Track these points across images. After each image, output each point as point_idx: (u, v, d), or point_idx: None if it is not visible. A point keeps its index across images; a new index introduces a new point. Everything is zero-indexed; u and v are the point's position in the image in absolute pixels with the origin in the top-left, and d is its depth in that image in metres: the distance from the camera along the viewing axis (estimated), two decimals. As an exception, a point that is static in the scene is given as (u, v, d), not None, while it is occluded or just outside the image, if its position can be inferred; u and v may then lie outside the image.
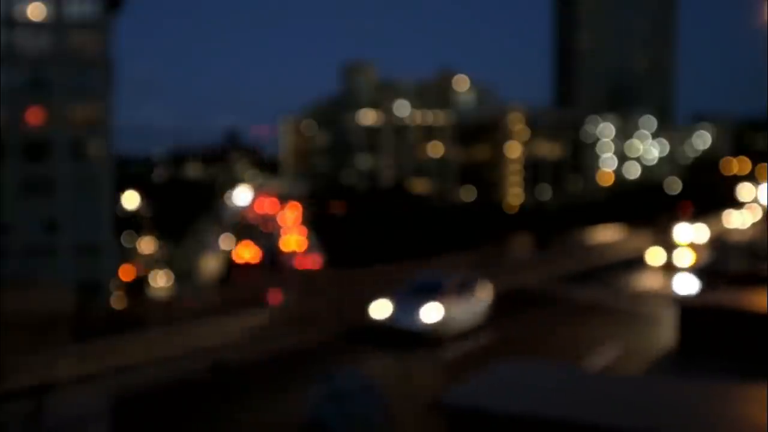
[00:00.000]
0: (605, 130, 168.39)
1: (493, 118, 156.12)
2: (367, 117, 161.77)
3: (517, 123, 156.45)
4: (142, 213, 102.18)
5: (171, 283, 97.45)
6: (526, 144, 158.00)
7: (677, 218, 47.52)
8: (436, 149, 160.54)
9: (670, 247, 36.12)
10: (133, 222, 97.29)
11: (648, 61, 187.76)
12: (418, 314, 18.74)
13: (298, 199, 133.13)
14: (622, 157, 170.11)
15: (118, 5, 66.83)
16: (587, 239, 44.52)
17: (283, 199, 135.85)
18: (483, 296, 21.37)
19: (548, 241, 42.99)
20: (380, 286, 20.35)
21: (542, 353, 16.98)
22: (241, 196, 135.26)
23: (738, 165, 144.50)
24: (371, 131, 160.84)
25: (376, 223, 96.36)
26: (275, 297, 21.19)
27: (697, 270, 31.02)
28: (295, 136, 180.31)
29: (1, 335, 12.03)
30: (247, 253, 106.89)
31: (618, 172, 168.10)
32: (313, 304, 20.27)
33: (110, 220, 65.11)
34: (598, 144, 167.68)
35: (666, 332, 13.86)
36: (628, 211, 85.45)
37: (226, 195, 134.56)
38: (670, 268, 33.71)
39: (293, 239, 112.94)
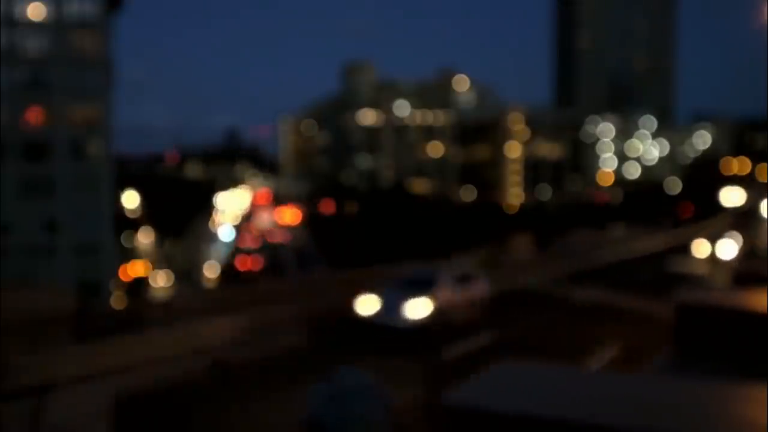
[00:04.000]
0: (605, 130, 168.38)
1: (493, 118, 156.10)
2: (367, 117, 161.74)
3: (517, 123, 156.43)
4: (142, 213, 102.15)
5: (171, 283, 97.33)
6: (526, 144, 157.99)
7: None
8: (436, 149, 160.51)
9: None
10: (133, 222, 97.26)
11: (648, 61, 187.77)
12: (404, 310, 17.62)
13: (296, 199, 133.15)
14: (622, 157, 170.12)
15: (118, 5, 66.82)
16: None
17: (282, 199, 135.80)
18: (479, 291, 20.49)
19: (549, 241, 43.23)
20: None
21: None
22: (227, 230, 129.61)
23: (738, 165, 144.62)
24: (371, 131, 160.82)
25: (375, 223, 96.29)
26: None
27: None
28: (295, 136, 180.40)
29: (0, 335, 12.04)
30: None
31: (618, 172, 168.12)
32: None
33: (110, 219, 65.07)
34: (598, 144, 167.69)
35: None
36: (630, 211, 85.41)
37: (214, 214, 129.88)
38: None
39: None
